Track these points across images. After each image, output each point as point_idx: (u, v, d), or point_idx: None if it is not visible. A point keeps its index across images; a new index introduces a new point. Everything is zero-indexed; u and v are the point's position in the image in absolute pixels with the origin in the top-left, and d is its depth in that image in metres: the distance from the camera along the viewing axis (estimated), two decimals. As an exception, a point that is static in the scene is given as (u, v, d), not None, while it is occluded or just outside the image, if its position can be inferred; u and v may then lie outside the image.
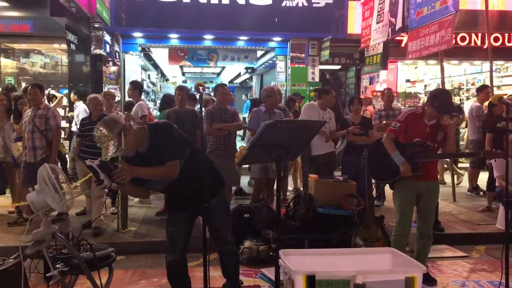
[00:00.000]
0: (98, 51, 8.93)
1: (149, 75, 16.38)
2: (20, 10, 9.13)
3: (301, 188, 5.85)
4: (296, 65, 10.84)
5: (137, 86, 7.22)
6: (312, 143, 6.22)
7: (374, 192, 5.97)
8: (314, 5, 10.32)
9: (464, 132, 11.74)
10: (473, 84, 13.17)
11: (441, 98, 4.05)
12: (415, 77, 14.44)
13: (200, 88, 2.88)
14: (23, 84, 11.11)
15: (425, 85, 14.34)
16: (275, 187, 6.45)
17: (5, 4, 8.98)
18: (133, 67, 11.70)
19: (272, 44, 11.20)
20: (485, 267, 4.93)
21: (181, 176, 3.05)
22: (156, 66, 15.93)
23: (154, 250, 5.21)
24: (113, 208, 6.36)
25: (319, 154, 6.19)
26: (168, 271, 3.36)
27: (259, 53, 12.96)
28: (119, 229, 5.73)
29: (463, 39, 10.58)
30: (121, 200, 5.68)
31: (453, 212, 6.85)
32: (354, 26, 10.65)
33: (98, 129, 2.85)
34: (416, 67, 14.01)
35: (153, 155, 3.01)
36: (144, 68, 15.00)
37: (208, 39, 10.90)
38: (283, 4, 10.20)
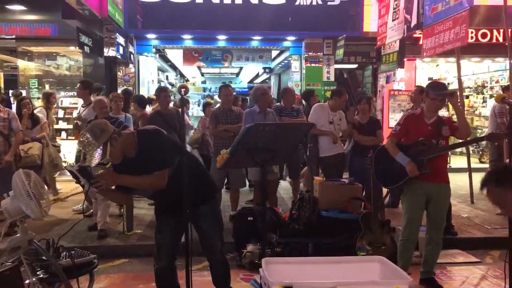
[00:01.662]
0: (111, 53, 8.99)
1: (167, 76, 16.47)
2: (41, 14, 9.25)
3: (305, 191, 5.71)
4: (311, 64, 10.68)
5: (87, 86, 7.01)
6: (320, 144, 6.11)
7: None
8: (329, 3, 10.16)
9: (487, 132, 11.39)
10: (497, 81, 12.73)
11: (432, 83, 4.27)
12: (437, 75, 14.06)
13: (182, 90, 2.79)
14: (47, 87, 11.34)
15: (448, 83, 13.97)
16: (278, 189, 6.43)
17: (22, 7, 9.17)
18: (149, 68, 11.75)
19: (286, 44, 11.09)
20: (498, 274, 4.69)
21: (170, 184, 2.96)
22: (174, 67, 16.00)
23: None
24: (122, 210, 6.36)
25: (327, 156, 6.05)
26: (156, 278, 3.28)
27: (275, 52, 12.86)
28: (124, 232, 5.73)
29: (484, 35, 10.21)
30: (126, 202, 5.67)
31: (469, 215, 6.60)
32: (370, 23, 10.43)
33: (84, 136, 2.79)
34: (437, 65, 13.63)
35: (141, 163, 2.92)
36: (161, 69, 15.08)
37: (222, 40, 10.87)
38: (297, 3, 10.08)
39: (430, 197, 4.09)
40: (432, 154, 3.97)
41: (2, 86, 14.81)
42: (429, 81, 4.47)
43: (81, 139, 2.78)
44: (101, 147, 2.75)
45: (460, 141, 4.54)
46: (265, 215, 5.14)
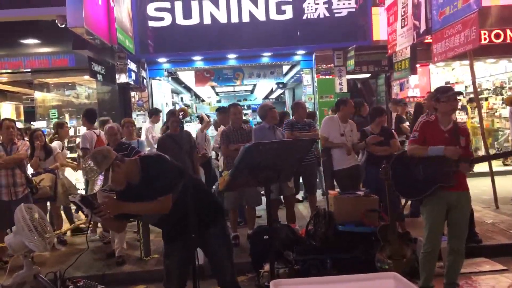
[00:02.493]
0: (123, 80, 9.12)
1: (182, 98, 16.61)
2: (57, 46, 9.44)
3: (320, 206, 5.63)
4: (323, 77, 10.62)
5: (85, 114, 7.14)
6: (334, 157, 6.04)
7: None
8: (336, 15, 10.10)
9: (509, 133, 11.10)
10: (516, 82, 12.46)
11: (438, 88, 4.13)
12: (454, 79, 13.83)
13: (181, 114, 2.79)
14: (67, 116, 11.56)
15: (466, 86, 13.71)
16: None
17: (36, 41, 9.41)
18: (163, 92, 11.88)
19: (296, 58, 11.05)
20: (526, 282, 4.52)
21: (175, 209, 2.93)
22: (188, 88, 16.14)
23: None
24: (139, 235, 6.36)
25: (341, 169, 5.97)
26: None
27: (286, 67, 12.84)
28: (142, 257, 5.72)
29: (497, 36, 10.00)
30: (142, 227, 5.68)
31: (494, 221, 6.39)
32: (379, 32, 10.34)
33: (86, 162, 2.80)
34: (453, 69, 13.42)
35: (145, 188, 2.90)
36: (175, 92, 15.22)
37: (232, 58, 10.91)
38: (304, 17, 10.06)
39: (451, 206, 3.97)
40: (456, 166, 3.86)
41: (23, 118, 15.26)
42: (434, 89, 4.36)
43: (83, 166, 2.79)
44: (103, 173, 2.74)
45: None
46: (282, 232, 5.17)
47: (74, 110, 11.82)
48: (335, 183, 6.25)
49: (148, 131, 8.60)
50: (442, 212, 3.98)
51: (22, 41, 9.36)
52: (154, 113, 9.06)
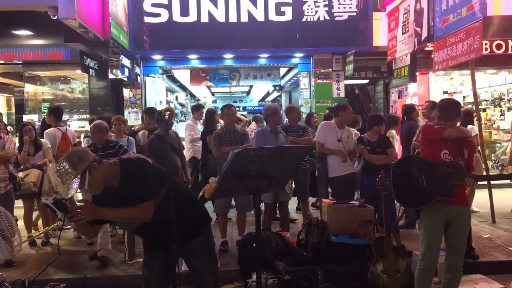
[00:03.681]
0: (116, 76, 8.88)
1: (176, 97, 16.39)
2: (52, 38, 9.20)
3: (313, 214, 5.43)
4: (320, 81, 10.44)
5: (51, 111, 6.87)
6: (329, 164, 5.83)
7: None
8: (337, 18, 9.95)
9: (507, 145, 10.95)
10: (515, 94, 12.32)
11: (440, 104, 3.94)
12: (452, 88, 13.69)
13: (167, 113, 2.56)
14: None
15: (464, 96, 13.58)
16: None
17: (29, 32, 9.17)
18: (157, 89, 11.65)
19: (294, 61, 10.89)
20: (524, 302, 4.33)
21: (156, 217, 2.72)
22: (183, 87, 15.92)
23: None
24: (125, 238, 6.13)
25: (336, 176, 5.76)
26: None
27: (284, 70, 12.68)
28: (126, 261, 5.48)
29: (499, 46, 9.84)
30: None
31: (491, 236, 6.21)
32: (380, 38, 10.19)
33: (61, 164, 2.57)
34: (451, 78, 13.28)
35: (124, 193, 2.68)
36: (170, 90, 15.00)
37: (229, 58, 10.73)
38: (304, 19, 9.89)
39: (450, 220, 3.78)
40: (461, 181, 3.68)
41: (14, 111, 14.98)
42: (440, 101, 4.13)
43: (58, 168, 2.55)
44: (79, 176, 2.52)
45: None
46: (272, 241, 4.96)
47: (67, 105, 11.58)
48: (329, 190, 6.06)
49: (188, 129, 8.01)
50: (440, 226, 3.80)
51: (16, 32, 9.12)
52: (195, 109, 8.35)
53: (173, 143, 6.18)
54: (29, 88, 11.24)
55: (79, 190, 2.50)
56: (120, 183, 2.68)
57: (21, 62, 9.76)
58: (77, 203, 2.57)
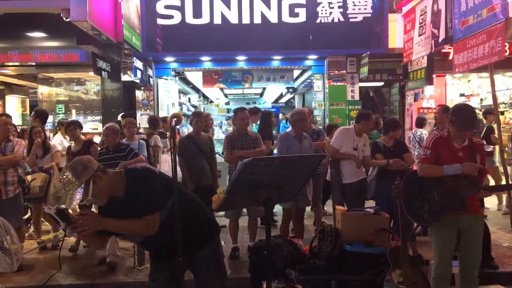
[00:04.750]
0: (128, 78, 8.84)
1: (189, 99, 16.33)
2: (68, 41, 9.21)
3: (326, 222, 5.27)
4: (334, 83, 10.27)
5: (38, 114, 6.80)
6: (343, 170, 5.69)
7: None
8: (351, 19, 9.77)
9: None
10: (533, 97, 12.03)
11: (459, 112, 3.60)
12: (469, 91, 13.42)
13: (174, 120, 2.45)
14: (74, 112, 11.34)
15: (481, 99, 13.30)
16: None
17: (43, 34, 9.18)
18: (170, 91, 11.59)
19: (308, 63, 10.72)
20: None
21: (162, 228, 2.60)
22: (196, 89, 15.85)
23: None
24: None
25: (350, 182, 5.61)
26: None
27: (297, 72, 12.52)
28: (135, 266, 5.41)
29: (518, 48, 9.60)
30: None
31: (510, 244, 6.00)
32: (395, 40, 9.96)
33: (64, 174, 2.47)
34: (469, 80, 13.01)
35: (129, 205, 2.57)
36: (183, 92, 14.94)
37: (241, 60, 10.61)
38: (318, 21, 9.73)
39: (462, 229, 3.65)
40: (475, 193, 3.53)
41: (28, 112, 15.10)
42: (455, 107, 3.93)
43: (61, 178, 2.45)
44: (82, 185, 2.42)
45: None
46: (283, 248, 4.82)
47: (81, 106, 11.60)
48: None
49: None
50: (452, 236, 3.67)
51: (30, 34, 9.14)
52: (254, 112, 8.03)
53: (203, 147, 5.98)
54: (43, 89, 11.28)
55: (82, 201, 2.40)
56: (125, 193, 2.58)
57: (34, 64, 9.79)
58: (81, 213, 2.47)
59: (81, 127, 6.30)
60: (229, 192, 2.27)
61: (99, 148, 5.91)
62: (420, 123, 8.80)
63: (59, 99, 11.57)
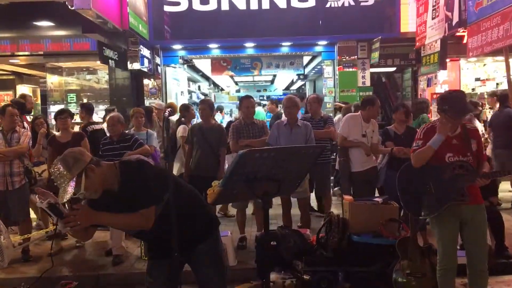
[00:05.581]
0: (135, 67, 8.76)
1: (199, 86, 16.23)
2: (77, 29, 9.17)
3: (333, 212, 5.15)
4: (345, 69, 10.07)
5: (15, 104, 6.50)
6: (352, 158, 5.56)
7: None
8: (362, 3, 9.54)
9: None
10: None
11: (450, 100, 3.45)
12: (485, 75, 13.07)
13: (168, 110, 2.35)
14: (85, 101, 11.35)
15: (497, 83, 12.95)
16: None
17: (50, 23, 9.14)
18: (179, 79, 11.49)
19: (318, 49, 10.51)
20: None
21: (157, 223, 2.51)
22: (206, 77, 15.74)
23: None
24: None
25: (359, 171, 5.48)
26: None
27: (307, 58, 12.31)
28: (142, 256, 5.37)
29: (536, 30, 9.28)
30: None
31: (526, 233, 5.83)
32: (408, 23, 9.71)
33: (55, 166, 2.39)
34: (484, 65, 12.67)
35: (124, 198, 2.49)
36: (192, 80, 14.84)
37: (250, 47, 10.45)
38: (328, 5, 9.52)
39: (464, 221, 3.50)
40: (473, 181, 3.38)
41: (39, 101, 15.17)
42: (443, 95, 3.77)
43: (52, 170, 2.38)
44: (74, 179, 2.34)
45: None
46: (290, 239, 4.73)
47: (92, 95, 11.59)
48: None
49: None
50: (454, 227, 3.53)
51: (38, 23, 9.10)
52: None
53: (208, 136, 5.70)
54: (53, 79, 11.28)
55: (74, 194, 2.32)
56: (120, 187, 2.49)
57: (42, 53, 9.77)
58: (73, 207, 2.39)
59: (72, 117, 5.95)
60: (224, 185, 2.17)
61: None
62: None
63: (71, 88, 11.57)
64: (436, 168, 3.46)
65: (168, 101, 10.20)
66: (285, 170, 2.26)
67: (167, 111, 2.33)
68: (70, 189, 2.32)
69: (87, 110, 6.95)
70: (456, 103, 3.42)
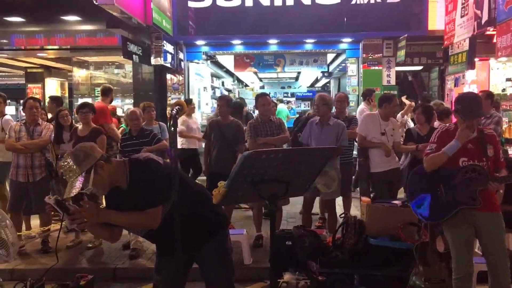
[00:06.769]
0: (158, 61, 8.81)
1: (223, 82, 16.24)
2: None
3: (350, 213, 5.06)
4: (370, 68, 9.89)
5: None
6: (371, 158, 5.45)
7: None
8: (388, 0, 9.35)
9: None
10: None
11: (463, 101, 3.37)
12: (516, 76, 12.65)
13: (176, 107, 2.32)
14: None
15: (529, 84, 12.51)
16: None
17: (77, 18, 9.25)
18: (202, 75, 11.52)
19: (342, 46, 10.37)
20: None
21: (165, 221, 2.49)
22: (230, 73, 15.74)
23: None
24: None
25: (379, 172, 5.37)
26: None
27: (331, 56, 12.16)
28: (158, 252, 5.38)
29: None
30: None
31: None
32: (435, 21, 9.47)
33: (65, 160, 2.40)
34: (516, 64, 12.26)
35: (132, 197, 2.48)
36: (216, 76, 14.87)
37: (273, 44, 10.38)
38: (353, 2, 9.37)
39: (480, 228, 3.36)
40: (484, 185, 3.25)
41: (67, 94, 15.46)
42: (459, 95, 3.66)
43: (62, 164, 2.38)
44: (83, 174, 2.34)
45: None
46: (305, 239, 4.67)
47: (119, 89, 11.72)
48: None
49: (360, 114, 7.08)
50: (468, 233, 3.39)
51: (65, 18, 9.23)
52: (368, 94, 7.75)
53: (226, 134, 5.67)
54: (81, 73, 11.45)
55: (82, 189, 2.32)
56: (128, 185, 2.48)
57: (69, 47, 9.91)
58: (81, 204, 2.40)
59: (94, 111, 5.88)
60: (229, 186, 2.13)
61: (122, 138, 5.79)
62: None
63: (98, 82, 11.72)
64: (448, 171, 3.36)
65: (190, 97, 10.23)
66: (294, 172, 2.21)
67: (174, 109, 2.30)
68: (78, 184, 2.32)
69: (57, 102, 7.05)
70: (469, 104, 3.32)
